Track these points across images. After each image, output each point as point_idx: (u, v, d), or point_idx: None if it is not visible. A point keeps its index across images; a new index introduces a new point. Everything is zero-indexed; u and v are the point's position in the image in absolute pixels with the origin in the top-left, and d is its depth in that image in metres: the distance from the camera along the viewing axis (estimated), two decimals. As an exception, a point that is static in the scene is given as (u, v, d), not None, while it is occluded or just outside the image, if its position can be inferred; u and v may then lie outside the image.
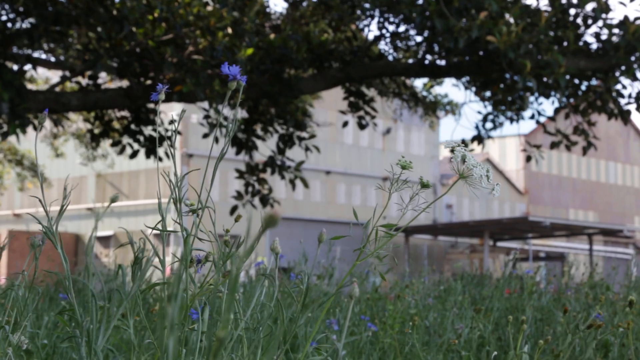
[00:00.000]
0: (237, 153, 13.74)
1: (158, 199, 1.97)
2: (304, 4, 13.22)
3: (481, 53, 11.46)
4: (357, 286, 1.45)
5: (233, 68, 2.00)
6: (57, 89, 13.86)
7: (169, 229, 1.97)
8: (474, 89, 13.62)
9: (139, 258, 1.89)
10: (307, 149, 13.59)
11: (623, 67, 11.33)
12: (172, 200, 1.95)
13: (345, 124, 13.94)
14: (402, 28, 12.81)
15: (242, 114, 14.25)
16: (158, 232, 1.94)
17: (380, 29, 12.97)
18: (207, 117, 12.76)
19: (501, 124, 13.31)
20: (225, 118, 13.40)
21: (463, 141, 14.20)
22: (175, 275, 1.73)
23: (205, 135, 13.32)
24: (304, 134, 13.85)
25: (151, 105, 12.81)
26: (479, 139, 13.03)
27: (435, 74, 13.05)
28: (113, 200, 1.91)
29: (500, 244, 40.32)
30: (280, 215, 1.02)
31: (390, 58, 13.53)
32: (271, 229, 1.02)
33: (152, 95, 2.09)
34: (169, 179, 1.94)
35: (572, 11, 11.72)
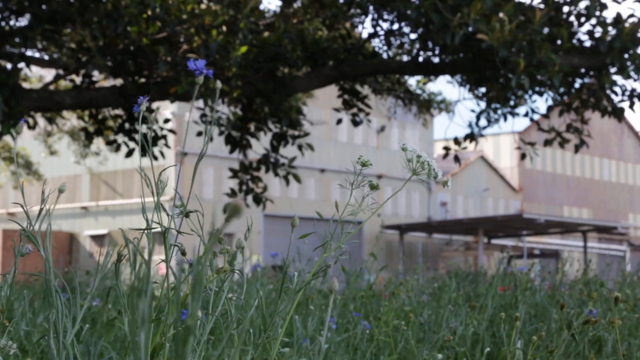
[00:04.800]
0: (231, 151, 13.73)
1: (142, 198, 1.98)
2: (298, 2, 13.22)
3: (475, 51, 11.47)
4: (336, 281, 1.47)
5: (199, 62, 1.99)
6: (51, 87, 13.84)
7: (161, 227, 1.97)
8: (468, 86, 13.64)
9: (120, 256, 1.90)
10: (300, 147, 13.59)
11: (617, 65, 11.35)
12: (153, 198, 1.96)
13: (339, 121, 13.94)
14: (396, 26, 12.82)
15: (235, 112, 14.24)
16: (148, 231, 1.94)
17: (374, 26, 12.97)
18: (203, 115, 12.75)
19: (496, 121, 13.34)
20: (219, 117, 13.40)
21: (456, 139, 14.14)
22: (144, 270, 1.74)
23: (200, 133, 13.30)
24: (298, 132, 13.85)
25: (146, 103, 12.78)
26: (472, 137, 13.05)
27: (430, 71, 13.06)
28: (61, 191, 1.92)
29: (494, 241, 40.38)
30: (243, 205, 1.02)
31: (384, 56, 13.54)
32: (236, 218, 1.03)
33: (134, 107, 2.10)
34: (143, 176, 1.95)
35: (566, 9, 11.74)
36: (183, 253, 2.01)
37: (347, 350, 3.85)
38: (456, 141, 13.16)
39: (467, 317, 4.26)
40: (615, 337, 3.68)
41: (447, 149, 13.15)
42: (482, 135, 13.25)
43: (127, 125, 13.15)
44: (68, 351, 1.82)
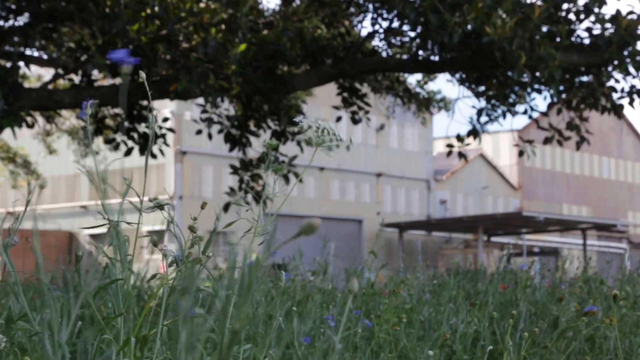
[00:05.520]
0: (231, 149, 13.72)
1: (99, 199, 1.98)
2: (297, 0, 13.21)
3: (474, 48, 11.46)
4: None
5: (119, 51, 1.86)
6: (50, 86, 13.83)
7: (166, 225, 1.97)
8: (467, 84, 13.63)
9: (78, 256, 1.88)
10: (299, 144, 13.60)
11: (615, 62, 11.34)
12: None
13: (338, 119, 13.93)
14: (395, 24, 12.81)
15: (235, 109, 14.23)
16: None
17: (373, 25, 12.96)
18: (204, 111, 12.74)
19: (497, 117, 13.34)
20: (219, 115, 13.39)
21: (458, 136, 14.11)
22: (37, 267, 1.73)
23: (199, 132, 13.32)
24: (297, 129, 13.85)
25: (145, 103, 12.79)
26: (474, 133, 13.04)
27: (429, 69, 13.05)
28: (41, 186, 1.91)
29: (494, 239, 40.39)
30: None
31: (383, 54, 13.53)
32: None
33: (80, 113, 2.01)
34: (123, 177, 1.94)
35: (565, 6, 11.73)
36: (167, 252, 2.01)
37: (347, 348, 3.84)
38: (459, 138, 13.18)
39: (467, 315, 4.26)
40: (603, 332, 3.67)
41: (450, 146, 13.17)
42: (484, 131, 13.25)
43: (126, 124, 13.14)
44: (64, 350, 1.81)
